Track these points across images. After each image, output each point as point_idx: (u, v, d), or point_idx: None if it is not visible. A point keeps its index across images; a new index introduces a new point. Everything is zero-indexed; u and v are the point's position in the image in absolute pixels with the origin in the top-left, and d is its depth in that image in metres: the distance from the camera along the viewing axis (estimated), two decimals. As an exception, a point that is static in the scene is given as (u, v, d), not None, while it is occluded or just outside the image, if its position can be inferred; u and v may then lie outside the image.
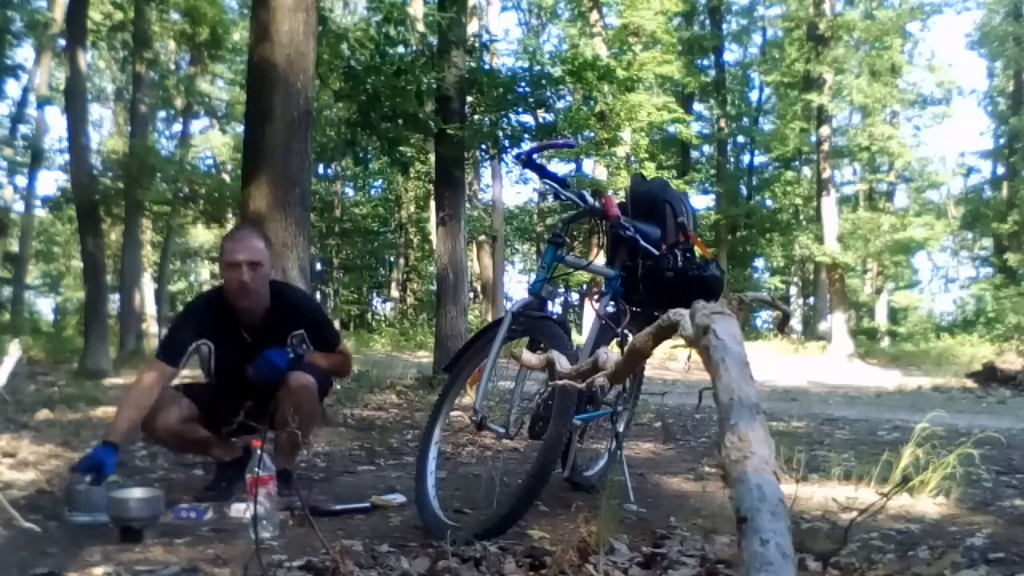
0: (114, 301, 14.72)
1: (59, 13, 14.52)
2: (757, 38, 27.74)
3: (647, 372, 3.16)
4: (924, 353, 18.56)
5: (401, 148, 9.05)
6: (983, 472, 3.22)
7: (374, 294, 30.57)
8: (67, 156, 12.48)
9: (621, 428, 2.98)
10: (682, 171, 23.11)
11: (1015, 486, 3.18)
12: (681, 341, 1.50)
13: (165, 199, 13.57)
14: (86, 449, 3.82)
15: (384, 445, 4.28)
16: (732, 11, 26.05)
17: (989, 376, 10.12)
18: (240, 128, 15.76)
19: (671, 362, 10.74)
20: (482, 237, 19.14)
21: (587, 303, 18.64)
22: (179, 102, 18.48)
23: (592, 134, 17.13)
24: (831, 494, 2.82)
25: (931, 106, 23.86)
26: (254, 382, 2.89)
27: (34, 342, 13.19)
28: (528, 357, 2.06)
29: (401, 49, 8.18)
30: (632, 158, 19.45)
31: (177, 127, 21.99)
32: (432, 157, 9.53)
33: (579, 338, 7.94)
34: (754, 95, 27.89)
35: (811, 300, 27.42)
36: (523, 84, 8.48)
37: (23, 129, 18.34)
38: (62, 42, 13.79)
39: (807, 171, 26.16)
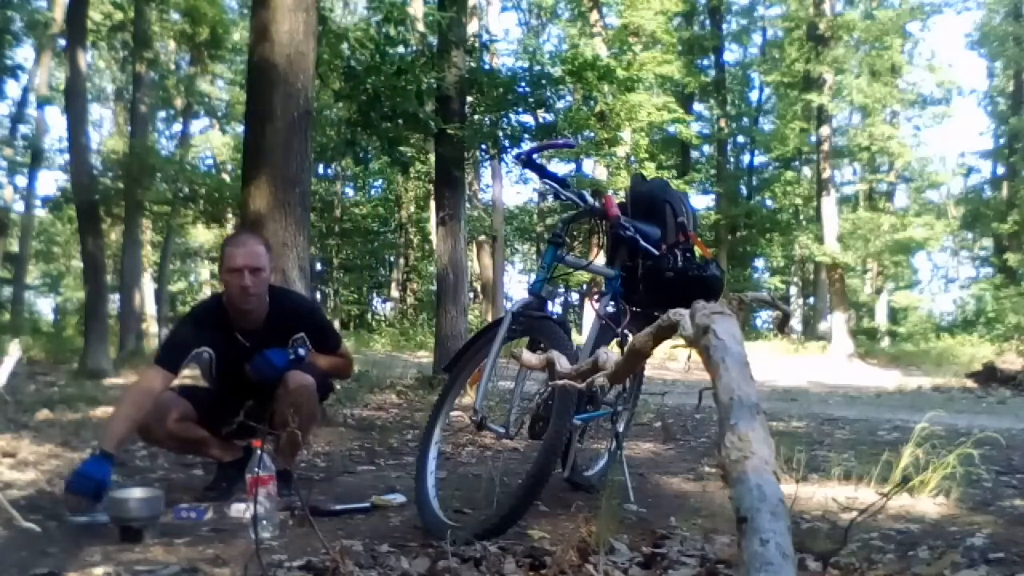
0: (114, 301, 14.71)
1: (59, 13, 14.53)
2: (757, 38, 27.78)
3: (647, 372, 3.16)
4: (924, 353, 18.56)
5: (401, 148, 9.04)
6: (983, 472, 3.22)
7: (374, 294, 30.58)
8: (67, 156, 12.48)
9: (621, 428, 2.98)
10: (682, 171, 23.11)
11: (1015, 486, 3.18)
12: (681, 341, 1.50)
13: (165, 199, 13.55)
14: (86, 450, 3.83)
15: (384, 445, 4.28)
16: (732, 11, 26.06)
17: (989, 376, 10.12)
18: (240, 128, 15.78)
19: (671, 362, 10.74)
20: (482, 237, 19.15)
21: (587, 303, 18.65)
22: (179, 102, 18.47)
23: (592, 134, 17.13)
24: (831, 494, 2.82)
25: (931, 106, 23.87)
26: (253, 380, 2.89)
27: (34, 342, 13.19)
28: (528, 357, 2.06)
29: (401, 49, 8.18)
30: (632, 158, 19.45)
31: (177, 127, 22.04)
32: (432, 157, 9.53)
33: (579, 338, 7.94)
34: (754, 95, 27.94)
35: (811, 300, 27.42)
36: (523, 84, 8.48)
37: (23, 129, 18.38)
38: (62, 42, 13.78)
39: (807, 171, 26.16)
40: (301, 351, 2.94)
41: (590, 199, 2.75)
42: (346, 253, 27.62)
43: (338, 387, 5.27)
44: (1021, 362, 10.49)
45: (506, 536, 2.23)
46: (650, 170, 18.69)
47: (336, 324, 24.33)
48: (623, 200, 2.97)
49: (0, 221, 18.32)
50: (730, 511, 1.12)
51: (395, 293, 27.53)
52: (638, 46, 19.50)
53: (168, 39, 16.46)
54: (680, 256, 2.81)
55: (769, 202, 26.48)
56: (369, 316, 28.73)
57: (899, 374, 14.00)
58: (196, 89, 17.64)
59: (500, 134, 8.49)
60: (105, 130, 26.12)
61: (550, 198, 22.06)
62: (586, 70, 9.29)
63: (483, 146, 8.62)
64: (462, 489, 2.81)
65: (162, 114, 21.01)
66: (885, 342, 23.50)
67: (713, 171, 25.92)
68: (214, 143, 22.74)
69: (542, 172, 2.78)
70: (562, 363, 1.93)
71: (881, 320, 25.85)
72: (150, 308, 18.74)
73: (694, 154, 26.44)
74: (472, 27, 11.22)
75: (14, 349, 3.51)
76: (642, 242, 2.70)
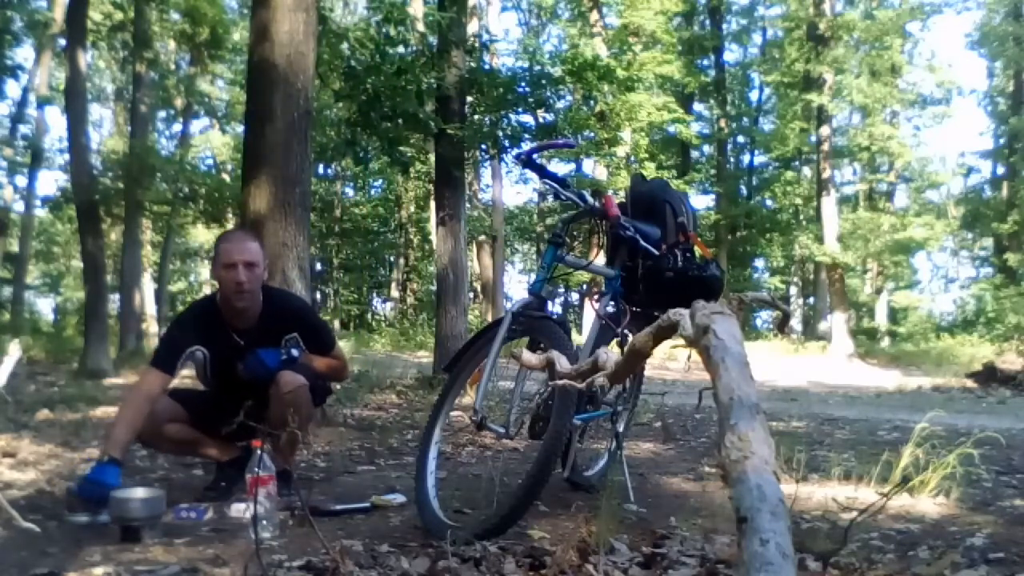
0: (114, 301, 14.71)
1: (59, 13, 14.53)
2: (757, 38, 27.79)
3: (647, 372, 3.16)
4: (924, 353, 18.55)
5: (401, 148, 9.05)
6: (983, 472, 3.22)
7: (374, 294, 30.58)
8: (67, 156, 12.47)
9: (621, 428, 2.97)
10: (682, 171, 23.11)
11: (1015, 486, 3.18)
12: (681, 341, 1.50)
13: (165, 199, 13.54)
14: (86, 450, 3.83)
15: (384, 445, 4.28)
16: (732, 11, 26.07)
17: (989, 376, 10.13)
18: (240, 128, 15.78)
19: (671, 362, 10.73)
20: (482, 237, 19.14)
21: (587, 303, 18.64)
22: (179, 102, 18.47)
23: (592, 134, 17.12)
24: (831, 494, 2.82)
25: (931, 106, 23.85)
26: (245, 379, 2.89)
27: (34, 342, 13.19)
28: (528, 357, 2.06)
29: (401, 49, 8.17)
30: (632, 158, 19.45)
31: (177, 127, 22.05)
32: (432, 157, 9.53)
33: (579, 338, 7.94)
34: (754, 95, 27.95)
35: (811, 300, 27.42)
36: (523, 84, 8.48)
37: (23, 129, 18.40)
38: (62, 42, 13.78)
39: (807, 171, 26.16)
40: (294, 351, 2.94)
41: (590, 199, 2.75)
42: (346, 253, 27.62)
43: (338, 387, 5.28)
44: (1021, 362, 10.49)
45: (506, 536, 2.22)
46: (650, 170, 18.69)
47: (336, 324, 24.37)
48: (623, 200, 2.96)
49: (0, 221, 18.32)
50: (730, 511, 1.12)
51: (395, 293, 27.54)
52: (638, 46, 19.50)
53: (168, 39, 16.45)
54: (680, 256, 2.80)
55: (769, 202, 26.48)
56: (369, 316, 28.75)
57: (899, 374, 14.00)
58: (196, 89, 17.64)
59: (500, 134, 8.48)
60: (105, 130, 26.15)
61: (550, 198, 22.05)
62: (586, 70, 9.28)
63: (483, 146, 8.62)
64: (462, 489, 2.81)
65: (162, 114, 21.01)
66: (885, 342, 23.50)
67: (713, 171, 25.92)
68: (214, 143, 22.74)
69: (542, 172, 2.78)
70: (562, 363, 1.93)
71: (881, 320, 25.85)
72: (150, 308, 18.73)
73: (694, 154, 26.44)
74: (472, 27, 11.22)
75: (14, 349, 3.51)
76: (642, 242, 2.70)
